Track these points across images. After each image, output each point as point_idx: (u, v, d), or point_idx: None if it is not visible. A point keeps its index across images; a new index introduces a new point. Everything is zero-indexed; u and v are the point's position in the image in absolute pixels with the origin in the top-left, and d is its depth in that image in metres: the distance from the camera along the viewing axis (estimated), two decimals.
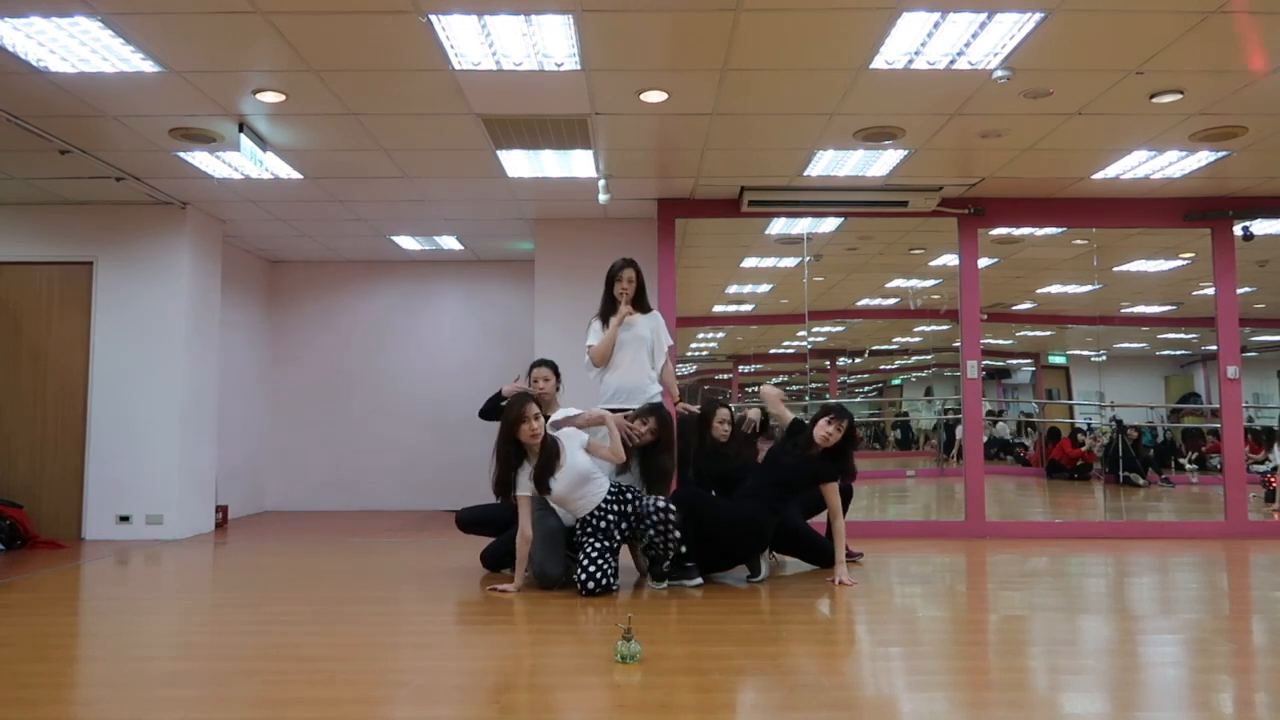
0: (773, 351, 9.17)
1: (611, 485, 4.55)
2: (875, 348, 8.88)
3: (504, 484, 4.49)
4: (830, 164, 6.15)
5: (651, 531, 4.48)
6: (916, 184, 6.64)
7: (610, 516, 4.49)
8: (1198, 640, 3.62)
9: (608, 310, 5.06)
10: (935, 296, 8.08)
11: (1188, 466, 8.67)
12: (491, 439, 4.57)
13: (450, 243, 8.48)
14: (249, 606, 4.31)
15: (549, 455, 4.41)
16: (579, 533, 4.52)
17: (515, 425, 4.39)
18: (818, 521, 5.45)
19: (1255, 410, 8.63)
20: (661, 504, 4.47)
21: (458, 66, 4.50)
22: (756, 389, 7.47)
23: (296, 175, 6.29)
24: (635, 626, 3.26)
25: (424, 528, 7.47)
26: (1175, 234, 7.27)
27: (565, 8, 3.91)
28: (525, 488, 4.50)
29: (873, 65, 4.52)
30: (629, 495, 4.56)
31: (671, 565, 4.65)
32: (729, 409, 5.26)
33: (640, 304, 5.08)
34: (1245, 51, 4.32)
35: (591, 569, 4.37)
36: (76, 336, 6.90)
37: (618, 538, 4.52)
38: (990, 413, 8.04)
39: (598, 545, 4.44)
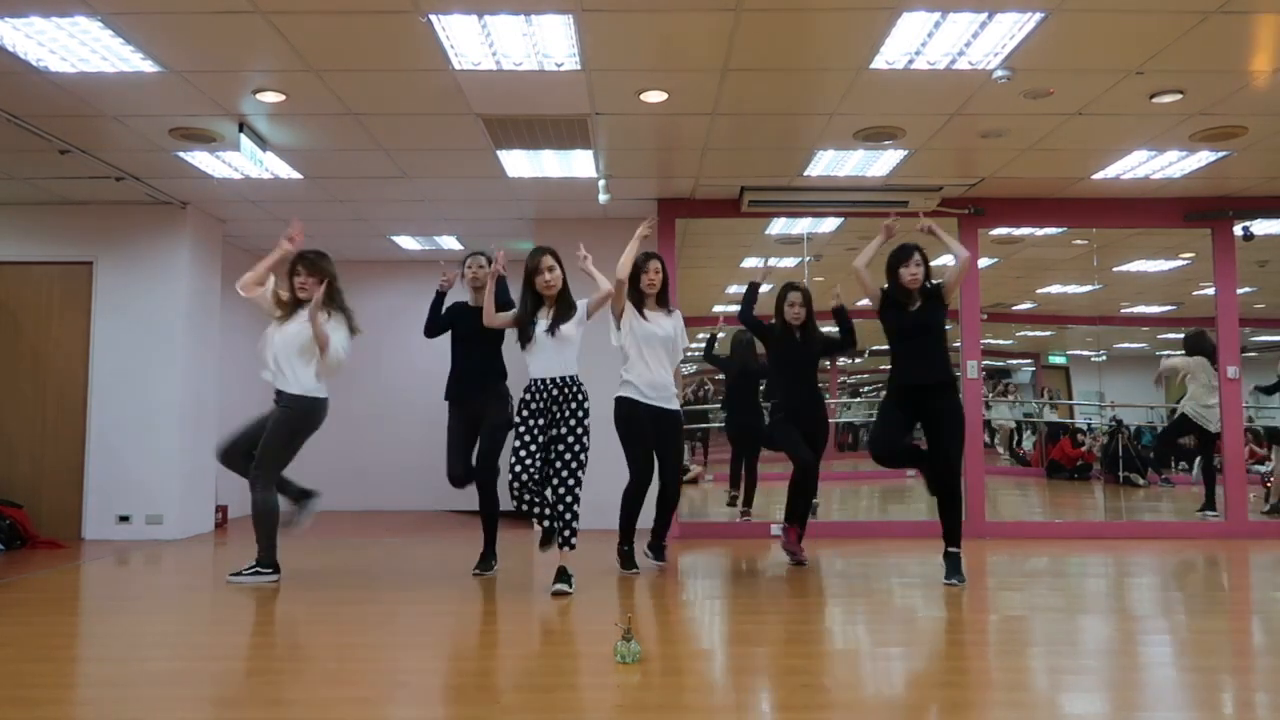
0: None
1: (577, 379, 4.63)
2: (875, 348, 8.87)
3: (523, 329, 4.59)
4: (830, 164, 6.15)
5: (554, 483, 4.45)
6: (916, 184, 6.63)
7: (557, 393, 4.50)
8: (1198, 640, 3.62)
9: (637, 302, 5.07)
10: None
11: (1182, 467, 8.70)
12: None
13: (450, 243, 8.47)
14: (249, 606, 4.31)
15: (566, 305, 4.60)
16: (526, 398, 4.53)
17: (532, 276, 4.60)
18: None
19: (1255, 410, 8.64)
20: (575, 464, 4.44)
21: (458, 66, 4.50)
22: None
23: (296, 175, 6.29)
24: (635, 626, 3.26)
25: (424, 528, 7.47)
26: (1175, 234, 7.26)
27: (565, 8, 3.90)
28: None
29: (873, 65, 4.51)
30: (579, 395, 4.55)
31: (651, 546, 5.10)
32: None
33: (663, 301, 5.15)
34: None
35: (518, 461, 4.38)
36: (76, 336, 6.90)
37: (542, 424, 4.51)
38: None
39: (535, 427, 4.47)
